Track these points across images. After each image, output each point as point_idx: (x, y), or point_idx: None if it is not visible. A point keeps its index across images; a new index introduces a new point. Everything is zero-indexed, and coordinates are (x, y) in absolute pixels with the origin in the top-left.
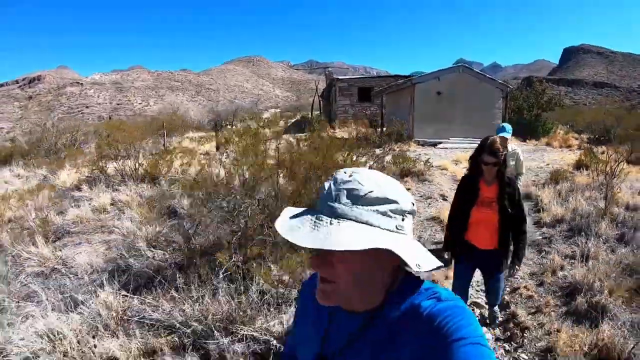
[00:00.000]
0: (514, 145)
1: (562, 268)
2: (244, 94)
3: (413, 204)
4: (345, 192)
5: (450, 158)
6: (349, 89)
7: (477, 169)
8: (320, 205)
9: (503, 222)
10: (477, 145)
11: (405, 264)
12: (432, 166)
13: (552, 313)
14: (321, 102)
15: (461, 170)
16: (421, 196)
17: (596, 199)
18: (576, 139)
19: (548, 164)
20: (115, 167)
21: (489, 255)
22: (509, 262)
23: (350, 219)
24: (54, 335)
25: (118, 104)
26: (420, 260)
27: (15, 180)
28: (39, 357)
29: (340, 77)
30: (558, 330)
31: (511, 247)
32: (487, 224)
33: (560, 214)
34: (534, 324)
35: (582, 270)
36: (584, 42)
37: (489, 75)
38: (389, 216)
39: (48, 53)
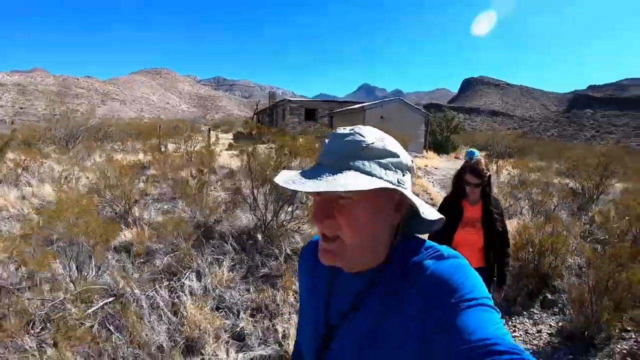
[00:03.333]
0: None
1: None
2: (150, 106)
3: (412, 161)
4: (346, 144)
5: None
6: (298, 109)
7: (460, 189)
8: (322, 159)
9: (487, 243)
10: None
11: (413, 216)
12: None
13: None
14: (258, 118)
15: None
16: None
17: None
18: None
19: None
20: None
21: None
22: (494, 281)
23: (352, 169)
24: None
25: (21, 108)
26: (425, 209)
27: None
28: None
29: (291, 99)
30: None
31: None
32: (471, 245)
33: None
34: None
35: None
36: (482, 74)
37: (415, 106)
38: (391, 169)
39: None
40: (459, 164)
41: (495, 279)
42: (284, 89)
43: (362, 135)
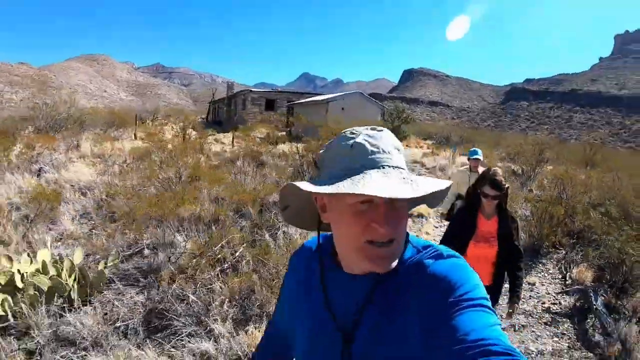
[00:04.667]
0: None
1: None
2: (87, 94)
3: None
4: (384, 144)
5: None
6: (259, 100)
7: (476, 201)
8: (382, 157)
9: (500, 259)
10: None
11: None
12: None
13: None
14: (211, 108)
15: None
16: None
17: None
18: (425, 142)
19: (412, 155)
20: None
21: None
22: (500, 298)
23: (404, 168)
24: None
25: None
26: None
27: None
28: None
29: (252, 90)
30: None
31: (505, 284)
32: (484, 261)
33: (432, 165)
34: None
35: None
36: (422, 65)
37: (373, 100)
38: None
39: None
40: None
41: (509, 298)
42: (224, 77)
43: (384, 137)
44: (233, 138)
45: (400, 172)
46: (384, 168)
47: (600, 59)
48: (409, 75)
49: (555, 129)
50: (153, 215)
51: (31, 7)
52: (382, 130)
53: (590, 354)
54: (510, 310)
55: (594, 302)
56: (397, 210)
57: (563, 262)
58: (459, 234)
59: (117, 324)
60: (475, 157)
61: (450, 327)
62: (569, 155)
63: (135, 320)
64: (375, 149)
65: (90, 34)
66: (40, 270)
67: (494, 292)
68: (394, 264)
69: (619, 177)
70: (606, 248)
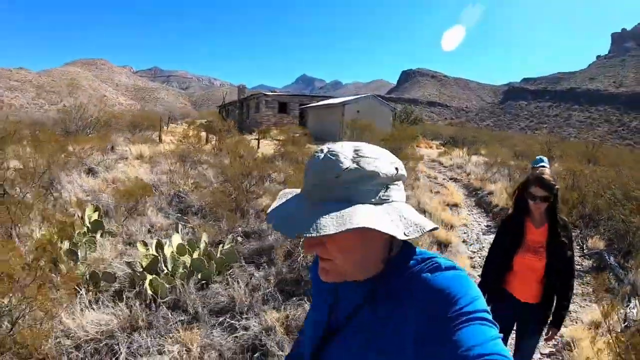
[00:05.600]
0: None
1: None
2: (87, 100)
3: (397, 170)
4: (321, 173)
5: None
6: (272, 103)
7: (523, 207)
8: (304, 186)
9: (549, 272)
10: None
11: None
12: None
13: None
14: (222, 111)
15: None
16: None
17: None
18: (434, 143)
19: (428, 155)
20: None
21: (529, 310)
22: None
23: (330, 200)
24: None
25: None
26: (409, 228)
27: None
28: None
29: (266, 93)
30: None
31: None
32: (531, 274)
33: (449, 164)
34: None
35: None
36: (420, 66)
37: (385, 102)
38: (370, 189)
39: None
40: (429, 151)
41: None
42: (222, 80)
43: (336, 160)
44: (259, 140)
45: (299, 205)
46: (302, 193)
47: (598, 57)
48: (407, 76)
49: (554, 128)
50: (238, 206)
51: (25, 11)
52: (320, 154)
53: (609, 295)
54: (549, 335)
55: (609, 260)
56: (312, 237)
57: (580, 236)
58: (505, 244)
59: (258, 292)
60: (541, 164)
61: (451, 342)
62: (573, 152)
63: (271, 288)
64: (305, 178)
65: (88, 37)
66: (176, 252)
67: (543, 310)
68: (340, 278)
69: (621, 171)
70: (613, 221)
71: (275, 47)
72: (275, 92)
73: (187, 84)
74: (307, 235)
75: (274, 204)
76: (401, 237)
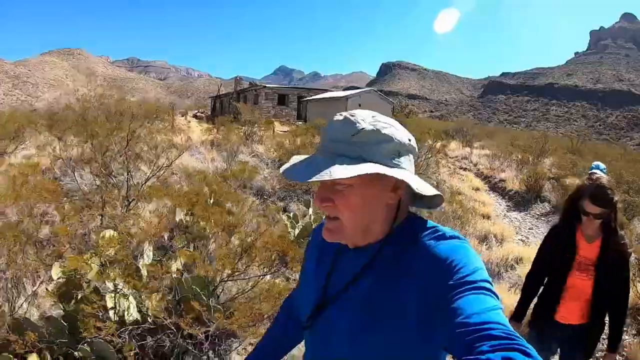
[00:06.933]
0: None
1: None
2: (65, 89)
3: (410, 140)
4: (339, 131)
5: None
6: (272, 95)
7: (573, 219)
8: (319, 146)
9: (598, 292)
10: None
11: (414, 197)
12: None
13: None
14: (216, 102)
15: None
16: None
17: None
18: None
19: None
20: None
21: (575, 332)
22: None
23: (343, 155)
24: None
25: None
26: (421, 185)
27: None
28: None
29: (266, 85)
30: None
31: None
32: (578, 295)
33: (454, 155)
34: None
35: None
36: (400, 58)
37: (385, 97)
38: (383, 153)
39: None
40: None
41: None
42: (200, 71)
43: (354, 121)
44: (273, 130)
45: (313, 159)
46: (316, 152)
47: (576, 53)
48: (386, 69)
49: (532, 122)
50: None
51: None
52: (339, 116)
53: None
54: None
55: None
56: (334, 191)
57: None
58: (554, 259)
59: None
60: (598, 171)
61: (451, 310)
62: (559, 146)
63: None
64: (321, 136)
65: (64, 27)
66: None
67: (594, 333)
68: (343, 239)
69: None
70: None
71: (254, 38)
72: (256, 83)
73: (165, 74)
74: (321, 179)
75: (286, 165)
76: (414, 185)
